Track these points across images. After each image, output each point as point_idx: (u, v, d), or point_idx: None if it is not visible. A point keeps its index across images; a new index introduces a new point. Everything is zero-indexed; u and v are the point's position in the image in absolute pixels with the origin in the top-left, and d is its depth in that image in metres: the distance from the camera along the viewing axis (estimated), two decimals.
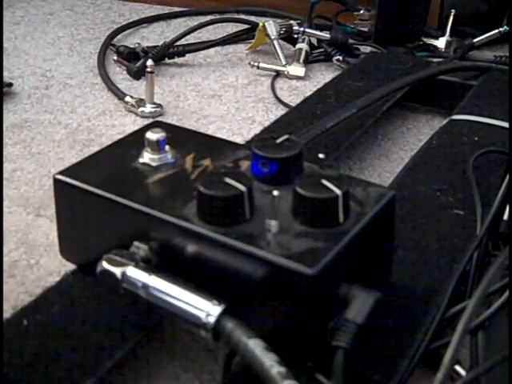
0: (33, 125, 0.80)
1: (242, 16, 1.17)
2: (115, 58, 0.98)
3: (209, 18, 1.13)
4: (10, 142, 0.75)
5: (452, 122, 0.71)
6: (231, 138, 0.76)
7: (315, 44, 1.01)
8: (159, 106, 0.83)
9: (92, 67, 0.97)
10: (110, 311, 0.43)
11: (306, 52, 0.97)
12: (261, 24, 1.01)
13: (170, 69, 0.97)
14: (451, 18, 1.02)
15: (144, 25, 1.16)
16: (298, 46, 0.98)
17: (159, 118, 0.80)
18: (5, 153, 0.73)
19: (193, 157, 0.46)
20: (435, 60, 0.95)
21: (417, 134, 0.80)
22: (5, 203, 0.63)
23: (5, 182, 0.67)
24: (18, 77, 0.94)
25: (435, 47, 1.02)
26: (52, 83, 0.92)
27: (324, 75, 0.95)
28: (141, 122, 0.80)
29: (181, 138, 0.49)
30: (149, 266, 0.40)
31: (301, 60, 0.96)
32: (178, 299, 0.38)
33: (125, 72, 0.95)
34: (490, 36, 1.03)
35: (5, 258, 0.55)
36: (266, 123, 0.79)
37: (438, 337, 0.42)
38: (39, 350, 0.40)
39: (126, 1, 1.29)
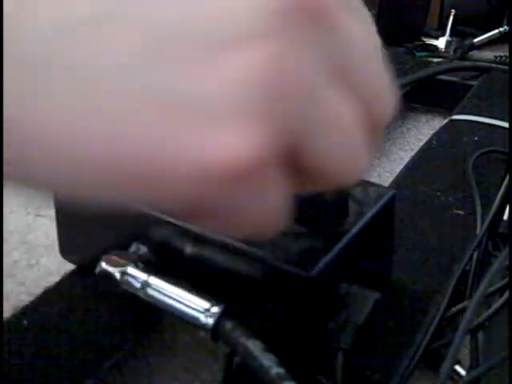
0: None
1: None
2: None
3: None
4: None
5: (452, 122, 0.71)
6: None
7: None
8: None
9: None
10: (109, 311, 0.43)
11: None
12: None
13: None
14: (451, 18, 1.02)
15: None
16: None
17: None
18: None
19: None
20: (435, 60, 0.95)
21: (417, 133, 0.80)
22: (5, 203, 0.63)
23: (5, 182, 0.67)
24: None
25: (435, 47, 1.02)
26: None
27: None
28: None
29: None
30: (148, 266, 0.40)
31: None
32: (177, 300, 0.38)
33: None
34: (490, 36, 1.03)
35: (5, 258, 0.55)
36: None
37: (437, 337, 0.42)
38: (39, 350, 0.40)
39: None
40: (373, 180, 0.66)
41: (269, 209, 0.18)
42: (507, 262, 0.42)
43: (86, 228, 0.45)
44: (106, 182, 0.16)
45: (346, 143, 0.18)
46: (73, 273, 0.47)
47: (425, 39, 1.04)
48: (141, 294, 0.39)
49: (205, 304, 0.37)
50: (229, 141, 0.15)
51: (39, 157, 0.16)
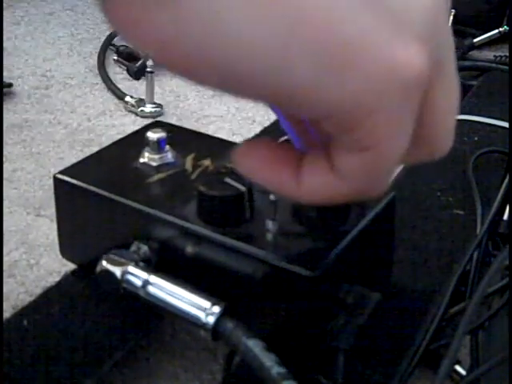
0: (33, 125, 0.80)
1: None
2: (115, 57, 0.98)
3: None
4: (10, 142, 0.75)
5: None
6: (231, 138, 0.76)
7: None
8: (159, 105, 0.83)
9: (92, 67, 0.97)
10: (109, 311, 0.43)
11: None
12: None
13: None
14: (451, 17, 1.02)
15: None
16: None
17: (159, 118, 0.80)
18: (5, 153, 0.73)
19: (193, 157, 0.46)
20: None
21: None
22: (5, 203, 0.63)
23: (5, 182, 0.67)
24: (17, 77, 0.94)
25: None
26: (52, 83, 0.92)
27: None
28: (141, 122, 0.80)
29: (181, 137, 0.49)
30: (148, 265, 0.40)
31: None
32: (177, 299, 0.38)
33: (125, 72, 0.95)
34: (490, 36, 1.03)
35: (5, 258, 0.55)
36: (266, 123, 0.79)
37: (438, 337, 0.42)
38: (39, 350, 0.40)
39: None
40: None
41: (396, 152, 0.23)
42: (507, 262, 0.42)
43: (86, 228, 0.45)
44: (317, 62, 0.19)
45: (454, 110, 0.24)
46: (73, 273, 0.47)
47: None
48: (141, 293, 0.39)
49: (205, 303, 0.37)
50: (415, 52, 0.20)
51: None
